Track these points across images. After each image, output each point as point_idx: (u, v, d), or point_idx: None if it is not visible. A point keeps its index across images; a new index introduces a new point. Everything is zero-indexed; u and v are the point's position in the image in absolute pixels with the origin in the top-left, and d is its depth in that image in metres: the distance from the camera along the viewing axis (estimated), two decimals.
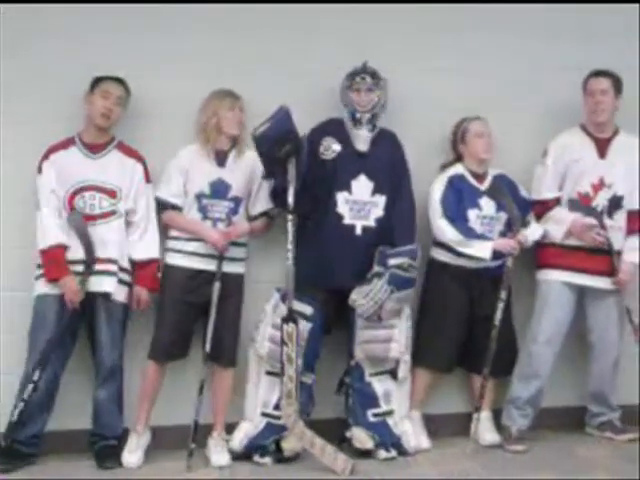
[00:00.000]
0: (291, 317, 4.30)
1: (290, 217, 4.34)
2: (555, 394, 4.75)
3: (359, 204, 4.51)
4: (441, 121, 4.74)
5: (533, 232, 4.60)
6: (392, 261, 4.41)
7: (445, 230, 4.51)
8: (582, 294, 4.63)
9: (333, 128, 4.56)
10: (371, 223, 4.51)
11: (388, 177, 4.55)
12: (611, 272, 4.55)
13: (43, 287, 4.31)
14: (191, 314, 4.41)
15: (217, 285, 4.35)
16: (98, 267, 4.30)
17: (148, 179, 4.47)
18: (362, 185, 4.52)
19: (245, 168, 4.50)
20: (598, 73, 4.61)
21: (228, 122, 4.45)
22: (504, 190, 4.58)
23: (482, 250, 4.48)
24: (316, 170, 4.43)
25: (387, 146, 4.61)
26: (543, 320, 4.58)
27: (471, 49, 4.83)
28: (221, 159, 4.48)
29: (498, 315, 4.46)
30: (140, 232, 4.42)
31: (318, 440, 4.29)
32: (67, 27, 4.50)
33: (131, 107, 4.47)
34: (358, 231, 4.50)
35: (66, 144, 4.39)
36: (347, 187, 4.51)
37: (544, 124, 4.82)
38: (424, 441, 4.57)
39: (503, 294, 4.47)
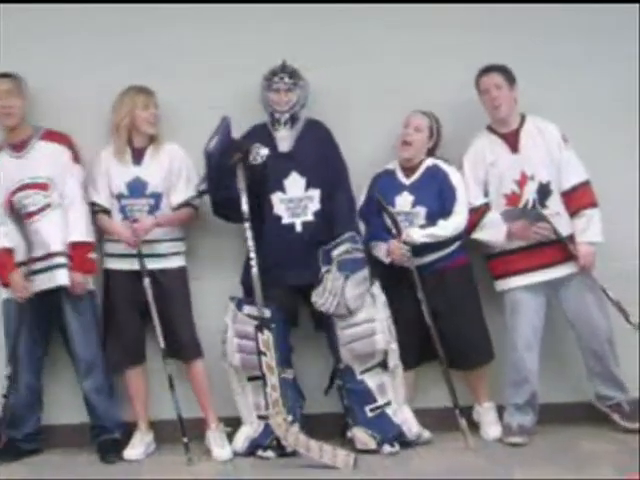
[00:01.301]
0: (263, 325, 4.30)
1: (247, 225, 4.35)
2: (557, 390, 4.71)
3: (294, 201, 4.51)
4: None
5: (415, 232, 4.47)
6: (335, 252, 4.41)
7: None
8: (549, 288, 4.53)
9: (258, 134, 4.56)
10: (309, 218, 4.51)
11: (319, 170, 4.54)
12: (569, 258, 4.46)
13: (5, 292, 4.40)
14: (136, 315, 4.43)
15: (147, 280, 4.35)
16: (45, 262, 4.34)
17: (77, 160, 4.46)
18: (295, 182, 4.52)
19: (163, 162, 4.49)
20: (488, 69, 4.52)
21: (143, 121, 4.44)
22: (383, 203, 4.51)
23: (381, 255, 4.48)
24: (249, 178, 4.44)
25: (314, 139, 4.59)
26: (517, 328, 4.50)
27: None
28: (137, 157, 4.48)
29: (426, 316, 4.40)
30: (69, 216, 4.39)
31: (313, 443, 4.27)
32: None
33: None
34: (298, 228, 4.50)
35: None
36: (280, 187, 4.52)
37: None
38: (425, 432, 4.52)
39: (420, 294, 4.40)
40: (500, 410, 4.61)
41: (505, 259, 4.54)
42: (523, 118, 4.60)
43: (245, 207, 4.35)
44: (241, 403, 4.47)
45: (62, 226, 4.37)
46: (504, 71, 4.53)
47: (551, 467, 4.14)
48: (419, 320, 4.44)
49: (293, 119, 4.55)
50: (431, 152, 4.64)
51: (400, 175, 4.60)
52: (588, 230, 4.50)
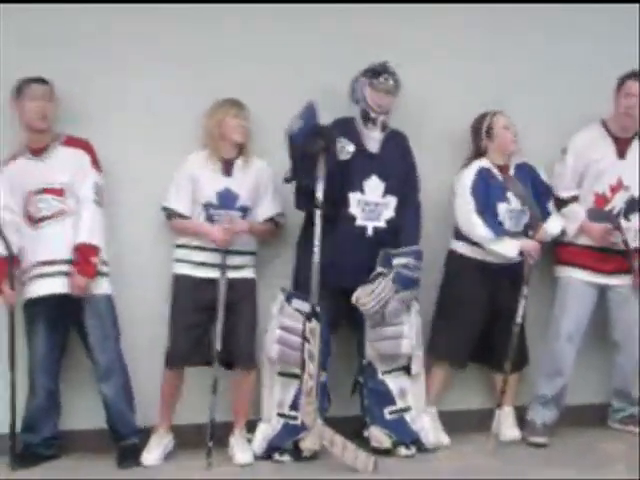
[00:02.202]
0: (314, 314, 4.29)
1: (318, 213, 4.32)
2: (577, 391, 4.75)
3: (371, 205, 4.50)
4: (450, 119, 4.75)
5: (552, 227, 4.58)
6: (397, 261, 4.40)
7: (477, 226, 4.47)
8: (603, 292, 4.64)
9: (344, 128, 4.51)
10: (382, 224, 4.50)
11: (398, 178, 4.54)
12: (630, 271, 4.55)
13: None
14: (203, 319, 4.40)
15: (223, 280, 4.34)
16: (49, 268, 4.30)
17: (95, 167, 4.41)
18: (374, 186, 4.51)
19: (252, 177, 4.48)
20: (636, 75, 4.55)
21: (233, 129, 4.43)
22: (520, 189, 4.55)
23: (510, 249, 4.47)
24: (331, 171, 4.40)
25: (397, 147, 4.59)
26: (564, 317, 4.59)
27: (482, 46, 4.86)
28: (228, 168, 4.46)
29: (520, 312, 4.46)
30: (81, 216, 4.34)
31: (338, 438, 4.28)
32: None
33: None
34: (369, 232, 4.48)
35: (14, 156, 4.39)
36: (359, 188, 4.49)
37: (560, 121, 4.80)
38: (443, 437, 4.55)
39: (525, 290, 4.46)
40: (517, 410, 4.67)
41: (573, 250, 4.62)
42: (637, 130, 4.63)
43: (320, 194, 4.30)
44: (266, 396, 4.45)
45: (73, 233, 4.34)
46: None
47: (568, 469, 4.20)
48: (485, 318, 4.51)
49: (384, 123, 4.54)
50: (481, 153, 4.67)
51: (499, 174, 4.59)
52: None
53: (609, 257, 4.58)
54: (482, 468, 4.26)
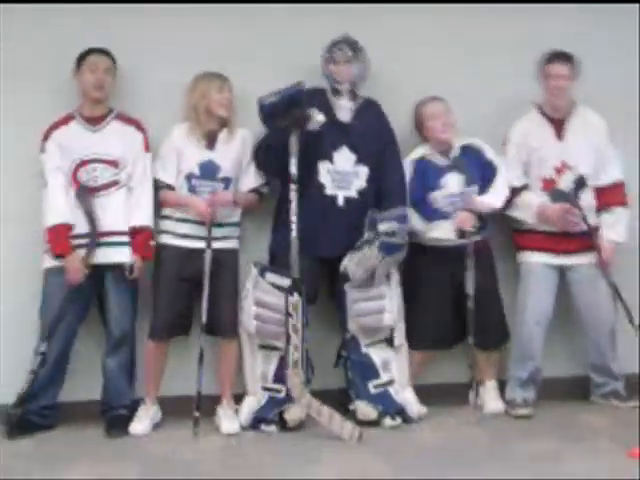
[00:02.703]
0: (295, 287, 4.32)
1: (292, 187, 4.36)
2: (558, 364, 4.81)
3: (341, 174, 4.53)
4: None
5: (487, 197, 4.58)
6: (382, 227, 4.44)
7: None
8: (564, 272, 4.66)
9: (316, 98, 4.55)
10: (353, 194, 4.53)
11: (371, 148, 4.57)
12: (590, 249, 4.59)
13: (50, 261, 4.37)
14: (187, 290, 4.45)
15: (208, 252, 4.37)
16: (107, 239, 4.37)
17: (147, 148, 4.50)
18: (344, 156, 4.54)
19: (235, 148, 4.53)
20: (558, 57, 4.59)
21: (217, 104, 4.47)
22: (463, 167, 4.60)
23: (446, 232, 4.53)
24: (302, 142, 4.44)
25: (371, 117, 4.62)
26: (528, 302, 4.62)
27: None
28: (211, 140, 4.50)
29: (469, 284, 4.47)
30: (135, 199, 4.44)
31: (325, 409, 4.32)
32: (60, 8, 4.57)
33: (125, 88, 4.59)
34: (340, 202, 4.52)
35: (66, 120, 4.45)
36: (329, 157, 4.53)
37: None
38: (422, 408, 4.58)
39: (469, 263, 4.46)
40: (501, 385, 4.71)
41: (531, 236, 4.65)
42: (573, 106, 4.66)
43: (294, 170, 4.34)
44: (248, 372, 4.50)
45: (126, 206, 4.41)
46: (572, 62, 4.59)
47: (551, 440, 4.22)
48: (454, 300, 4.54)
49: (352, 92, 4.58)
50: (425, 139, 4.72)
51: (438, 159, 4.64)
52: (615, 227, 4.62)
53: (567, 238, 4.60)
54: (467, 439, 4.30)
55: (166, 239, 4.50)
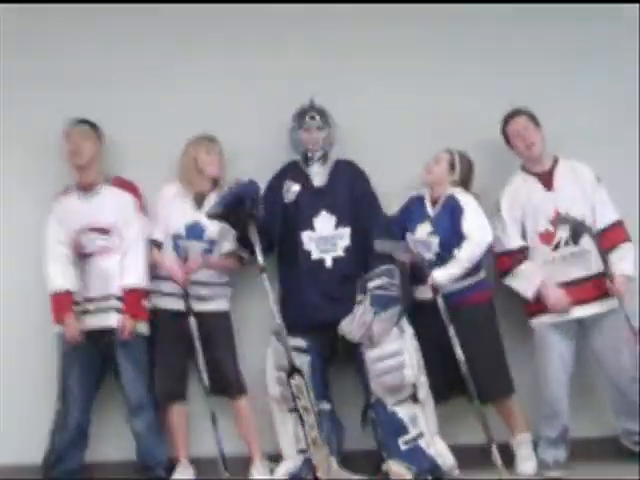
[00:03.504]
0: (294, 370, 4.34)
1: (264, 276, 4.38)
2: (585, 425, 4.76)
3: (324, 239, 4.64)
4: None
5: (437, 274, 4.50)
6: (371, 284, 4.50)
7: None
8: (580, 325, 4.60)
9: (291, 170, 4.73)
10: (340, 253, 4.63)
11: (349, 209, 4.68)
12: (602, 296, 4.52)
13: (58, 327, 4.55)
14: (181, 353, 4.55)
15: (192, 320, 4.46)
16: (101, 304, 4.53)
17: (141, 210, 4.64)
18: (324, 221, 4.66)
19: None
20: (512, 114, 4.68)
21: (206, 164, 4.64)
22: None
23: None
24: (281, 214, 4.63)
25: (345, 177, 4.73)
26: (547, 365, 4.58)
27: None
28: (199, 201, 4.64)
29: (458, 352, 4.40)
30: (127, 261, 4.55)
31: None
32: (50, 78, 4.85)
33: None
34: (328, 263, 4.62)
35: (65, 191, 4.68)
36: (310, 226, 4.65)
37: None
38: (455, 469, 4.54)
39: (450, 330, 4.40)
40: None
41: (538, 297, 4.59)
42: (556, 160, 4.70)
43: (260, 258, 4.41)
44: (282, 435, 4.57)
45: (119, 270, 4.54)
46: (528, 114, 4.67)
47: None
48: (444, 354, 4.48)
49: (324, 157, 4.71)
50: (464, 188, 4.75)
51: (427, 204, 4.71)
52: (623, 262, 4.56)
53: (576, 287, 4.55)
54: None
55: (158, 301, 4.63)
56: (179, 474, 4.57)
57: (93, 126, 4.69)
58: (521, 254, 4.64)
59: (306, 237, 4.64)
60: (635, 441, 4.66)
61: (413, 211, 4.73)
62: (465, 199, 4.64)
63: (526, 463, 4.61)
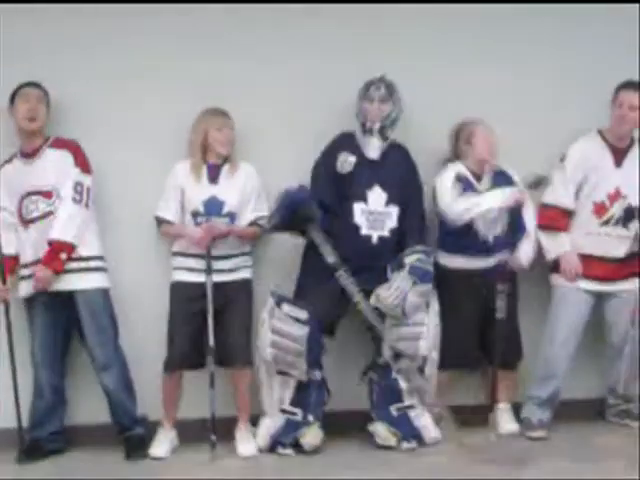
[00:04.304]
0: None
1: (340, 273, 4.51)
2: (574, 385, 4.82)
3: (374, 214, 4.61)
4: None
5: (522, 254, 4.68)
6: (407, 259, 4.51)
7: (454, 205, 4.56)
8: (599, 296, 4.70)
9: (345, 141, 4.65)
10: (386, 233, 4.62)
11: (400, 189, 4.64)
12: (626, 276, 4.65)
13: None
14: (198, 323, 4.48)
15: (210, 281, 4.42)
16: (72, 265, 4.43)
17: (82, 166, 4.49)
18: (377, 196, 4.63)
19: (238, 183, 4.57)
20: (633, 85, 4.62)
21: (218, 142, 4.54)
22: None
23: (494, 198, 4.56)
24: (336, 186, 4.58)
25: (399, 158, 4.70)
26: (559, 324, 4.66)
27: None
28: (214, 176, 4.56)
29: (500, 307, 4.53)
30: (57, 214, 4.43)
31: None
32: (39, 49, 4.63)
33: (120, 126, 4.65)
34: (374, 241, 4.60)
35: (9, 159, 4.53)
36: (363, 198, 4.61)
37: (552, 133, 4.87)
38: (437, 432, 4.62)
39: (500, 287, 4.52)
40: (515, 407, 4.77)
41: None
42: (634, 139, 4.72)
43: (332, 259, 4.51)
44: (266, 396, 4.54)
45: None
46: None
47: (565, 461, 4.27)
48: (476, 321, 4.61)
49: (383, 132, 4.63)
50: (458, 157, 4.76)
51: (473, 181, 4.67)
52: None
53: (607, 264, 4.65)
54: (482, 460, 4.34)
55: (178, 275, 4.56)
56: (162, 437, 4.51)
57: (44, 88, 4.52)
58: (567, 216, 4.67)
59: (358, 209, 4.59)
60: (617, 412, 4.82)
61: (464, 188, 4.64)
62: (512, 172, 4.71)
63: (508, 424, 4.71)
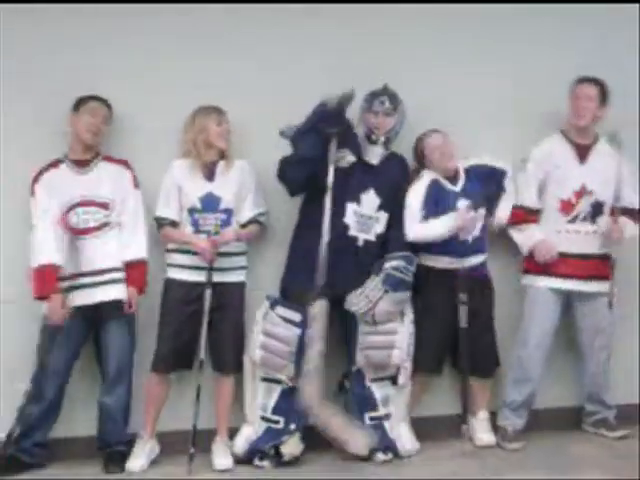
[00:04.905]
0: (318, 295, 4.40)
1: (327, 198, 4.46)
2: (549, 394, 4.86)
3: (365, 217, 4.63)
4: None
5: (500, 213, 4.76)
6: (387, 264, 4.53)
7: (411, 231, 4.61)
8: (570, 297, 4.73)
9: (348, 138, 4.62)
10: (372, 237, 4.63)
11: (393, 196, 4.66)
12: (598, 276, 4.65)
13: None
14: (190, 325, 4.49)
15: (208, 292, 4.44)
16: (101, 277, 4.43)
17: (136, 185, 4.56)
18: (370, 199, 4.64)
19: (234, 179, 4.59)
20: (587, 79, 4.70)
21: (216, 136, 4.56)
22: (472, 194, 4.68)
23: (442, 224, 4.59)
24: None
25: (397, 166, 4.72)
26: (532, 325, 4.68)
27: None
28: (210, 173, 4.58)
29: (462, 317, 4.57)
30: (128, 235, 4.49)
31: (336, 419, 4.37)
32: (50, 45, 4.62)
33: (117, 123, 4.63)
34: (360, 243, 4.61)
35: (55, 164, 4.51)
36: (357, 199, 4.62)
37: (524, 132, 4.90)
38: (414, 444, 4.62)
39: (462, 297, 4.57)
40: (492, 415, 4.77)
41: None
42: (597, 136, 4.75)
43: (330, 179, 4.45)
44: (248, 401, 4.54)
45: (118, 244, 4.47)
46: (602, 87, 4.68)
47: (541, 471, 4.29)
48: (451, 325, 4.60)
49: (387, 142, 4.66)
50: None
51: (447, 184, 4.70)
52: (628, 225, 4.69)
53: (578, 262, 4.67)
54: (457, 472, 4.35)
55: (172, 273, 4.57)
56: (140, 449, 4.49)
57: (107, 104, 4.56)
58: (534, 215, 4.72)
59: (351, 209, 4.60)
60: (594, 421, 4.84)
61: (437, 194, 4.69)
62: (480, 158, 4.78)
63: (485, 435, 4.72)
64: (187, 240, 4.53)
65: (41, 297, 4.36)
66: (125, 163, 4.58)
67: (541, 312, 4.68)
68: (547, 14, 4.99)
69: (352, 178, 4.60)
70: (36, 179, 4.48)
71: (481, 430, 4.70)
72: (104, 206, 4.49)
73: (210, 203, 4.55)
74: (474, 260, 4.67)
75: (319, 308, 4.40)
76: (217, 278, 4.50)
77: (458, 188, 4.70)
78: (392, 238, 4.65)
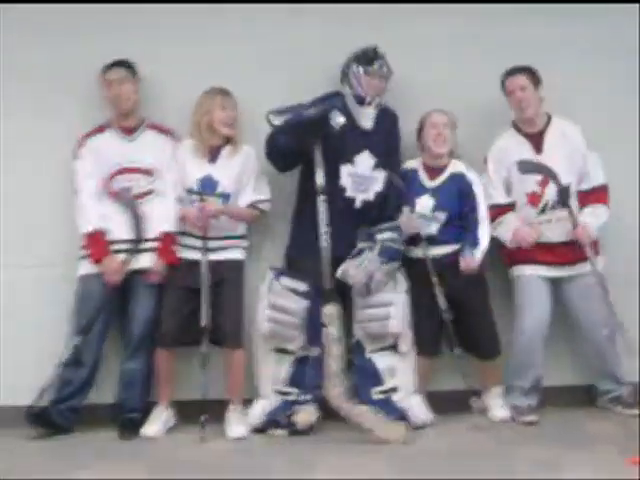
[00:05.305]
0: (330, 298, 4.40)
1: (321, 198, 4.46)
2: (563, 373, 4.84)
3: (361, 178, 4.60)
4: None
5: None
6: (381, 236, 4.53)
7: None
8: (559, 281, 4.67)
9: (338, 100, 4.60)
10: (370, 197, 4.62)
11: (387, 155, 4.65)
12: (581, 260, 4.60)
13: (86, 268, 4.53)
14: (191, 300, 4.52)
15: (204, 262, 4.47)
16: (145, 245, 4.50)
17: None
18: (365, 160, 4.63)
19: (237, 164, 4.61)
20: (513, 71, 4.64)
21: (220, 122, 4.57)
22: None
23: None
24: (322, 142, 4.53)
25: (387, 125, 4.69)
26: (525, 314, 4.63)
27: None
28: (213, 155, 4.60)
29: (440, 300, 4.53)
30: (164, 206, 4.56)
31: (369, 414, 4.37)
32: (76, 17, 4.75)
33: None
34: (358, 204, 4.61)
35: (101, 129, 4.58)
36: (350, 160, 4.60)
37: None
38: (428, 415, 4.60)
39: (434, 280, 4.52)
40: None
41: (524, 250, 4.63)
42: (549, 119, 4.69)
43: (320, 180, 4.46)
44: (261, 373, 4.57)
45: (158, 214, 4.54)
46: (529, 72, 4.63)
47: (555, 447, 4.22)
48: (435, 309, 4.57)
49: (378, 104, 4.66)
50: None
51: (423, 176, 4.69)
52: (590, 217, 4.61)
53: (561, 248, 4.62)
54: (472, 445, 4.32)
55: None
56: (156, 417, 4.57)
57: (129, 67, 4.60)
58: (508, 208, 4.67)
59: (345, 171, 4.59)
60: (609, 399, 4.77)
61: (408, 184, 4.69)
62: (473, 177, 4.71)
63: (499, 410, 4.68)
64: (181, 214, 4.56)
65: (98, 260, 4.44)
66: (171, 133, 4.63)
67: (533, 298, 4.63)
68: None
69: (345, 141, 4.56)
70: (81, 143, 4.53)
71: (495, 406, 4.67)
72: (149, 173, 4.54)
73: (208, 186, 4.58)
74: (441, 251, 4.61)
75: (333, 311, 4.38)
76: (215, 257, 4.53)
77: (432, 185, 4.67)
78: (387, 199, 4.63)
